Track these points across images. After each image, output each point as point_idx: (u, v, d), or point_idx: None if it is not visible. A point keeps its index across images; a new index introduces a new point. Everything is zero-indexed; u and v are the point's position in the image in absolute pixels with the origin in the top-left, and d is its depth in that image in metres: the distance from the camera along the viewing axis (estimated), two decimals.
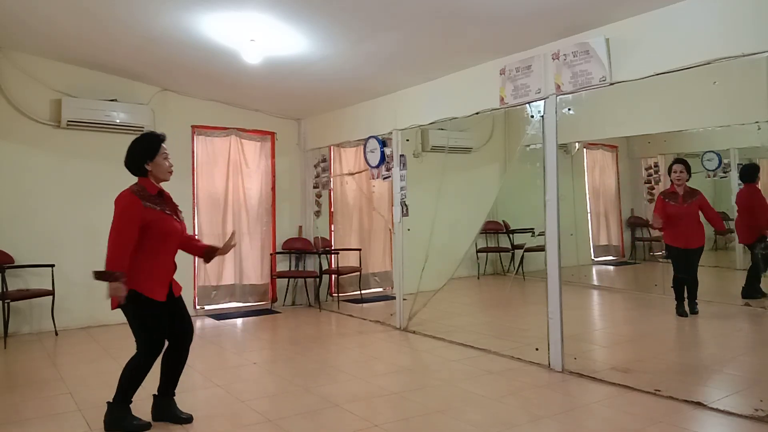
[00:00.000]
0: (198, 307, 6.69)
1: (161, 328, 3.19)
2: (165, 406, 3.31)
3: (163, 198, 3.31)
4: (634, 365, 4.21)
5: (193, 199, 6.67)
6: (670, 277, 6.15)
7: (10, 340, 5.36)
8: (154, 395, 3.32)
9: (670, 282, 6.20)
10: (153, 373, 3.21)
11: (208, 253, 3.46)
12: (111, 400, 3.20)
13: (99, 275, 2.97)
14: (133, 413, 3.22)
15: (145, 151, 3.24)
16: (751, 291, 6.17)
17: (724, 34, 3.29)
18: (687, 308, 5.87)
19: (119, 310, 3.11)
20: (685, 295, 5.92)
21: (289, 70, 5.44)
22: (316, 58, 5.11)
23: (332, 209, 7.57)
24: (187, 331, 3.32)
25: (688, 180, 5.81)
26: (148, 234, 3.10)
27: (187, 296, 6.60)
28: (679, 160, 5.86)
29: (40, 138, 5.79)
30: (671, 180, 5.87)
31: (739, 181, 6.23)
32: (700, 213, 5.82)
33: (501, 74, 4.60)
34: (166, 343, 3.27)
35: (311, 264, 7.35)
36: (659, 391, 3.57)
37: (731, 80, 4.37)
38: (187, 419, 3.31)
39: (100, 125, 5.92)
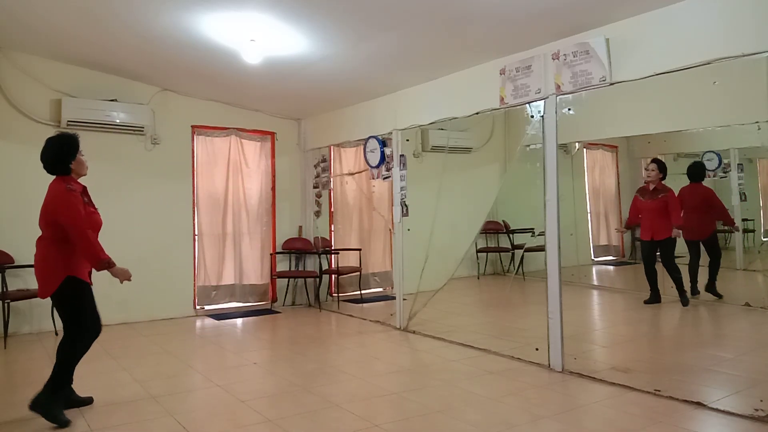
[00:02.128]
0: (198, 307, 6.68)
1: (95, 311, 3.45)
2: (66, 395, 3.42)
3: (87, 193, 3.51)
4: (634, 365, 4.21)
5: (193, 199, 6.66)
6: (669, 277, 6.19)
7: (10, 340, 5.37)
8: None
9: (670, 282, 6.24)
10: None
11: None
12: (45, 386, 3.29)
13: (101, 267, 3.30)
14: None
15: (69, 151, 3.41)
16: (713, 288, 6.42)
17: (724, 34, 3.29)
18: (659, 296, 6.32)
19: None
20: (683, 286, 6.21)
21: (289, 70, 5.44)
22: (316, 58, 5.11)
23: (332, 209, 7.56)
24: (98, 322, 3.49)
25: (662, 179, 6.17)
26: None
27: (187, 296, 6.61)
28: (653, 160, 6.28)
29: (40, 138, 5.67)
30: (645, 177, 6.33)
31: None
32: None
33: (501, 74, 4.60)
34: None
35: (311, 264, 7.35)
36: (659, 391, 3.57)
37: (731, 80, 4.37)
38: (88, 400, 3.55)
39: (100, 125, 5.92)
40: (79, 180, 3.49)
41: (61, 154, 3.37)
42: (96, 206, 3.55)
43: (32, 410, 3.24)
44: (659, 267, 6.30)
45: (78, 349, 3.38)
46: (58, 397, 3.31)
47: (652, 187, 6.18)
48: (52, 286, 3.27)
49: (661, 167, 6.19)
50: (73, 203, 3.26)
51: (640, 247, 6.47)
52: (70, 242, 3.26)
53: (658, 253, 6.24)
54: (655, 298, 6.39)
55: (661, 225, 6.09)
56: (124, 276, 3.40)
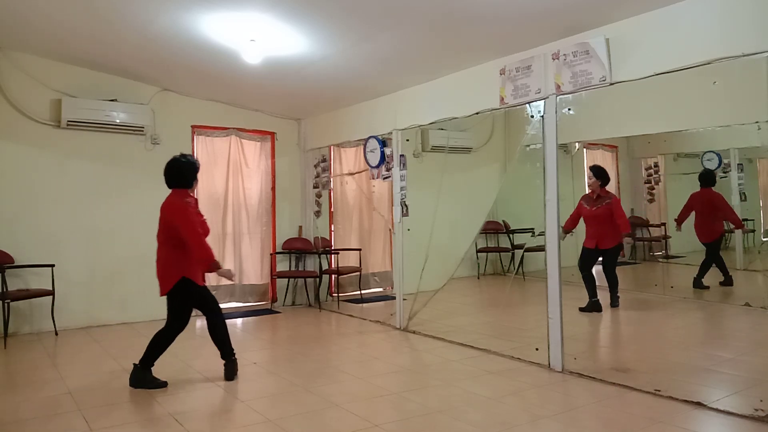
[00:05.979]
0: None
1: (191, 308, 4.03)
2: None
3: (197, 204, 4.14)
4: (634, 365, 4.21)
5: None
6: (670, 277, 6.22)
7: (10, 340, 5.36)
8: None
9: (670, 282, 6.26)
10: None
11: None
12: (137, 363, 3.93)
13: (211, 269, 3.86)
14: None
15: (196, 171, 4.05)
16: (699, 282, 6.62)
17: (724, 34, 3.29)
18: (598, 305, 6.09)
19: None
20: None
21: (289, 70, 5.44)
22: (316, 58, 5.11)
23: (332, 209, 7.56)
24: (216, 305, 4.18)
25: (601, 185, 6.04)
26: None
27: None
28: (590, 167, 6.21)
29: (40, 138, 5.79)
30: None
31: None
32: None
33: (501, 74, 4.60)
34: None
35: (311, 264, 7.35)
36: (659, 391, 3.57)
37: (731, 80, 4.37)
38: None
39: (100, 125, 5.92)
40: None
41: (192, 172, 3.98)
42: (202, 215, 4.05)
43: (133, 387, 3.88)
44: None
45: (174, 336, 3.99)
46: (149, 370, 3.94)
47: (594, 195, 6.06)
48: (168, 285, 3.89)
49: (597, 173, 6.04)
50: (190, 214, 3.85)
51: (580, 254, 6.20)
52: (185, 248, 3.81)
53: (601, 259, 6.19)
54: (594, 306, 6.06)
55: (607, 233, 5.96)
56: (229, 275, 4.00)
